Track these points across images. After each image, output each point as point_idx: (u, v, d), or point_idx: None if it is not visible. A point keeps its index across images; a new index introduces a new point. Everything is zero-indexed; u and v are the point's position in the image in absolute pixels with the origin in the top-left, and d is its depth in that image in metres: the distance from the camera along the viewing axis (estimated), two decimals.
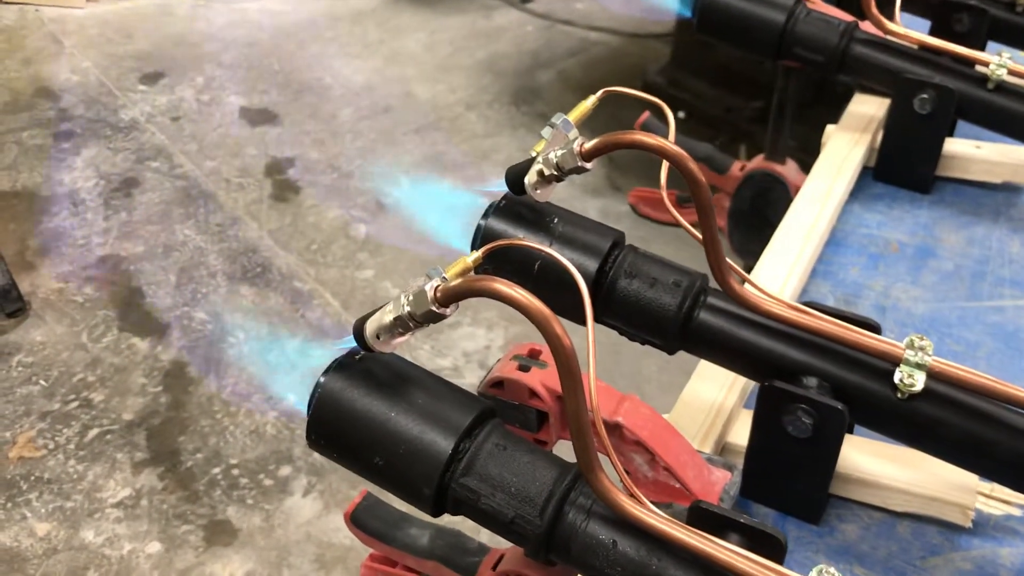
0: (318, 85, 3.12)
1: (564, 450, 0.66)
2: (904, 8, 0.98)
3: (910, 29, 0.87)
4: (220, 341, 2.21)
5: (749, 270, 1.20)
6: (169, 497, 1.87)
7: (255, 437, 1.99)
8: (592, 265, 0.60)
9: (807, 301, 0.60)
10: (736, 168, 1.09)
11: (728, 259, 0.58)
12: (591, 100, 0.62)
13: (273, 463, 1.95)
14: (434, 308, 0.47)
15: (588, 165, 0.57)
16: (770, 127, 1.04)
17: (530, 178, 0.58)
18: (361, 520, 0.77)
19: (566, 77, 3.21)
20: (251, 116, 2.96)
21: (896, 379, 0.55)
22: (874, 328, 0.59)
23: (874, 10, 0.86)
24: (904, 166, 0.89)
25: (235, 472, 1.92)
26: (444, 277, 0.49)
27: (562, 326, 0.45)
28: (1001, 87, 0.83)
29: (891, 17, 0.87)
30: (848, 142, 0.89)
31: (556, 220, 0.62)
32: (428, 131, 2.95)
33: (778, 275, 0.75)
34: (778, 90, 1.00)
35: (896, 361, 0.56)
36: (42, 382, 2.10)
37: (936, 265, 0.82)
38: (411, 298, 0.48)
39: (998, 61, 0.83)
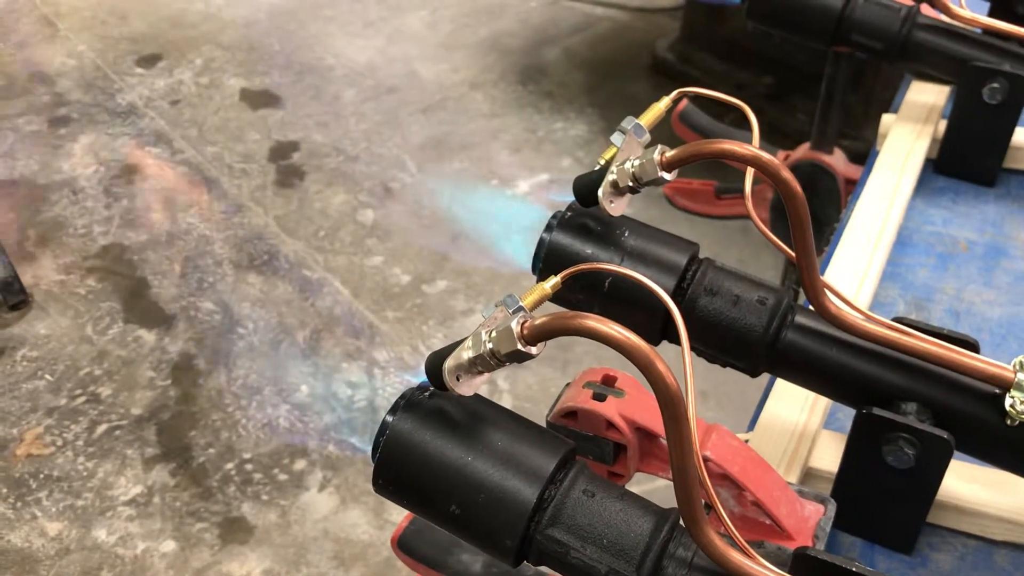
0: (320, 65, 3.06)
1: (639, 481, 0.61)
2: (933, 66, 0.93)
3: (975, 13, 0.82)
4: (229, 332, 2.16)
5: (794, 268, 1.16)
6: (182, 494, 1.84)
7: (268, 430, 1.95)
8: (670, 282, 0.56)
9: (899, 318, 0.56)
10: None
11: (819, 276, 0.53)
12: (664, 102, 0.57)
13: (287, 457, 1.91)
14: (521, 347, 0.42)
15: (669, 176, 0.52)
16: (817, 116, 0.99)
17: (604, 189, 0.54)
18: (409, 545, 0.72)
19: (572, 54, 3.15)
20: (252, 99, 2.89)
21: (1006, 405, 0.51)
22: (973, 347, 0.54)
23: None
24: (969, 158, 0.85)
25: (248, 467, 1.88)
26: (523, 307, 0.45)
27: (666, 365, 0.40)
28: None
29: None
30: (910, 134, 0.84)
31: (627, 233, 0.57)
32: (434, 111, 2.89)
33: (850, 283, 0.71)
34: (827, 77, 0.95)
35: (1004, 385, 0.52)
36: (48, 376, 2.05)
37: (1009, 265, 0.78)
38: (494, 335, 0.43)
39: None
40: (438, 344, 2.15)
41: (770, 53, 2.70)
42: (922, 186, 0.85)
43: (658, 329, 0.56)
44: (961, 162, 0.85)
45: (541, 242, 0.58)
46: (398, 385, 2.03)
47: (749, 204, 0.55)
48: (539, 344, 0.43)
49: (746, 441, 0.58)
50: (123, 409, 1.99)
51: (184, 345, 2.13)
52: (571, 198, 0.58)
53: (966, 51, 0.81)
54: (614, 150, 0.55)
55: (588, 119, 2.84)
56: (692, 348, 0.58)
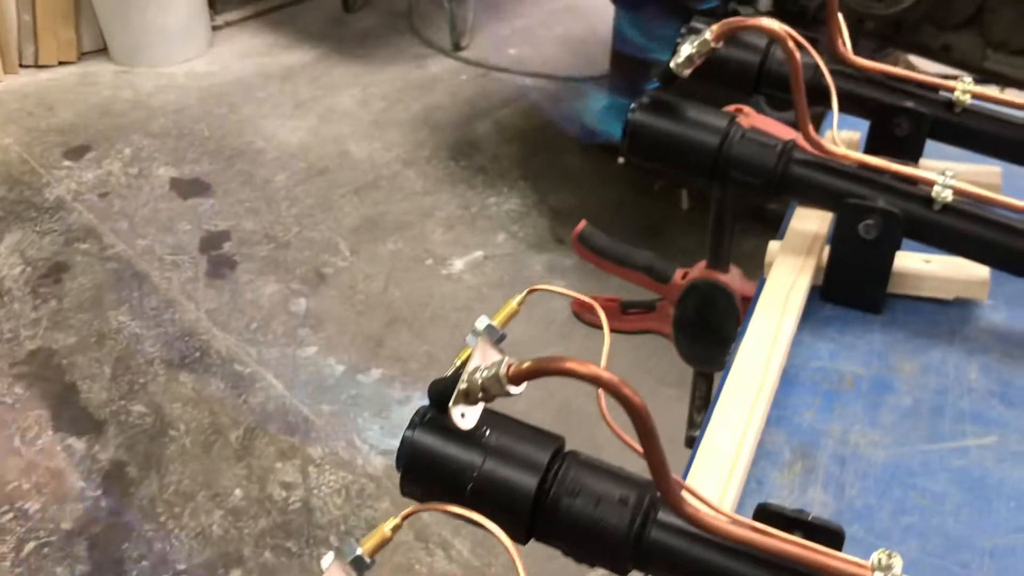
0: (250, 150, 3.05)
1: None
2: (844, 109, 0.95)
3: (850, 150, 0.84)
4: (160, 435, 2.12)
5: (702, 379, 1.17)
6: None
7: (202, 539, 1.91)
8: (531, 482, 0.55)
9: (763, 505, 0.56)
10: (679, 276, 1.05)
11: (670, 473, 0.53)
12: (516, 300, 0.57)
13: (222, 567, 1.87)
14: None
15: (516, 390, 0.52)
16: (710, 238, 1.00)
17: (455, 400, 0.53)
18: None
19: (503, 126, 3.17)
20: (182, 188, 2.87)
21: None
22: (838, 537, 0.54)
23: (811, 132, 0.83)
24: (853, 288, 0.86)
25: None
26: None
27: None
28: (947, 207, 0.80)
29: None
30: (793, 267, 0.85)
31: (489, 432, 0.56)
32: (367, 191, 2.89)
33: (734, 432, 0.71)
34: (715, 201, 0.96)
35: None
36: None
37: (894, 401, 0.78)
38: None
39: (942, 181, 0.80)
40: (374, 437, 2.12)
41: (703, 95, 2.73)
42: (809, 316, 0.86)
43: (523, 530, 0.55)
44: (846, 291, 0.86)
45: (403, 440, 0.57)
46: (334, 484, 2.01)
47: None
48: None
49: None
50: (52, 524, 1.94)
51: (115, 452, 2.08)
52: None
53: (842, 185, 0.83)
54: (468, 351, 0.55)
55: (521, 192, 2.86)
56: (558, 548, 0.57)
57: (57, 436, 2.12)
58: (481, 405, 0.54)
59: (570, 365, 0.50)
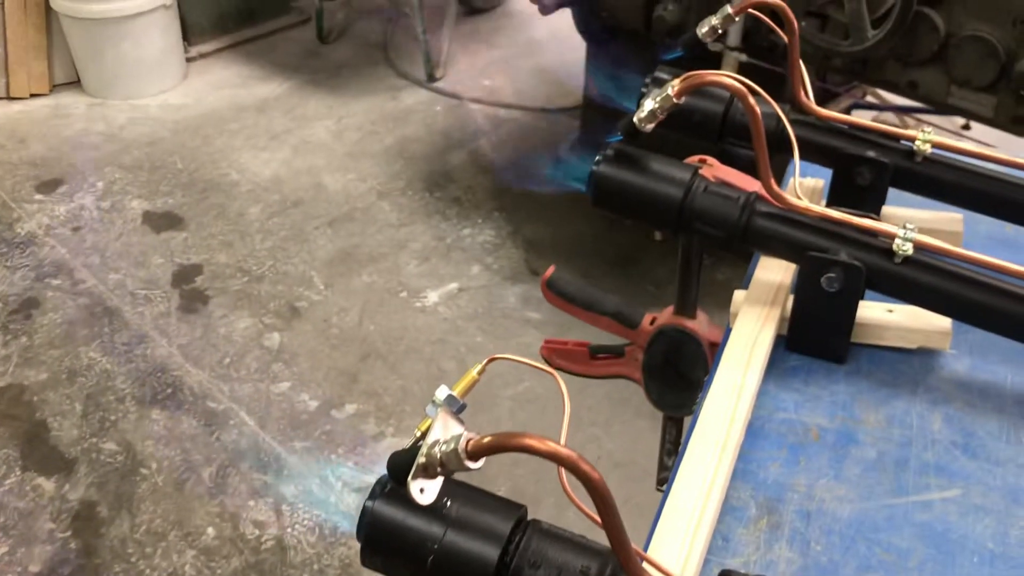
0: (224, 182, 3.04)
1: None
2: (806, 157, 0.96)
3: (811, 201, 0.85)
4: (132, 474, 2.10)
5: (672, 423, 1.17)
6: None
7: None
8: (493, 553, 0.55)
9: (724, 573, 0.56)
10: (647, 322, 1.06)
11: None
12: (476, 370, 0.57)
13: None
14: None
15: (475, 466, 0.51)
16: (677, 285, 1.00)
17: (414, 474, 0.53)
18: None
19: (477, 157, 3.18)
20: (155, 221, 2.86)
21: None
22: None
23: (773, 184, 0.83)
24: (817, 338, 0.86)
25: None
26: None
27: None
28: (908, 259, 0.80)
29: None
30: (758, 318, 0.85)
31: (449, 503, 0.56)
32: (341, 224, 2.89)
33: (699, 490, 0.71)
34: (681, 249, 0.97)
35: None
36: None
37: (859, 454, 0.79)
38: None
39: (903, 235, 0.80)
40: (348, 474, 2.10)
41: (668, 151, 2.75)
42: (775, 366, 0.86)
43: None
44: (810, 342, 0.87)
45: (364, 510, 0.56)
46: (307, 522, 1.99)
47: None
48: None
49: None
50: (20, 567, 1.91)
51: (85, 492, 2.06)
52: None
53: (804, 238, 0.83)
54: (428, 422, 0.55)
55: (495, 224, 2.86)
56: None
57: (26, 476, 2.10)
58: (440, 479, 0.54)
59: (529, 442, 0.50)
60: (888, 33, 1.80)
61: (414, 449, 0.55)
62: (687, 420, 1.05)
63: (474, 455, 0.52)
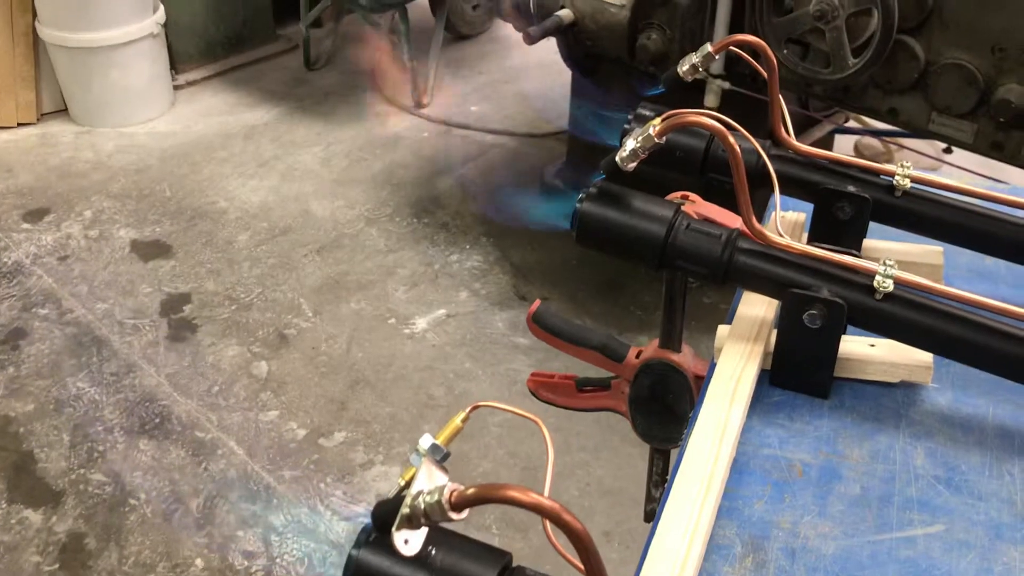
0: (212, 210, 3.04)
1: None
2: (787, 192, 0.97)
3: (792, 238, 0.86)
4: (120, 505, 2.09)
5: (659, 454, 1.17)
6: None
7: None
8: None
9: None
10: (632, 355, 1.06)
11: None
12: (460, 418, 0.58)
13: None
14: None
15: (459, 517, 0.52)
16: (663, 319, 1.01)
17: (398, 525, 0.53)
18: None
19: (465, 183, 3.20)
20: (143, 250, 2.86)
21: None
22: None
23: (754, 222, 0.84)
24: (800, 374, 0.87)
25: None
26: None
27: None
28: (889, 295, 0.81)
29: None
30: (741, 354, 0.86)
31: (434, 551, 0.56)
32: (329, 250, 2.89)
33: (684, 530, 0.71)
34: (666, 282, 0.98)
35: None
36: None
37: (843, 490, 0.79)
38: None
39: (883, 271, 0.81)
40: (337, 503, 2.10)
41: (652, 176, 2.77)
42: (759, 401, 0.87)
43: None
44: (794, 377, 0.87)
45: (349, 559, 0.57)
46: (297, 552, 1.98)
47: None
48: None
49: None
50: None
51: (73, 523, 2.05)
52: None
53: (786, 275, 0.84)
54: (412, 471, 0.55)
55: (483, 249, 2.87)
56: None
57: (12, 509, 2.08)
58: (425, 529, 0.54)
59: (512, 494, 0.50)
60: (868, 61, 1.82)
61: (398, 499, 0.55)
62: (674, 451, 1.05)
63: (458, 506, 0.52)
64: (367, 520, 0.58)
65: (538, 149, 3.34)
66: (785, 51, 1.96)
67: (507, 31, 4.08)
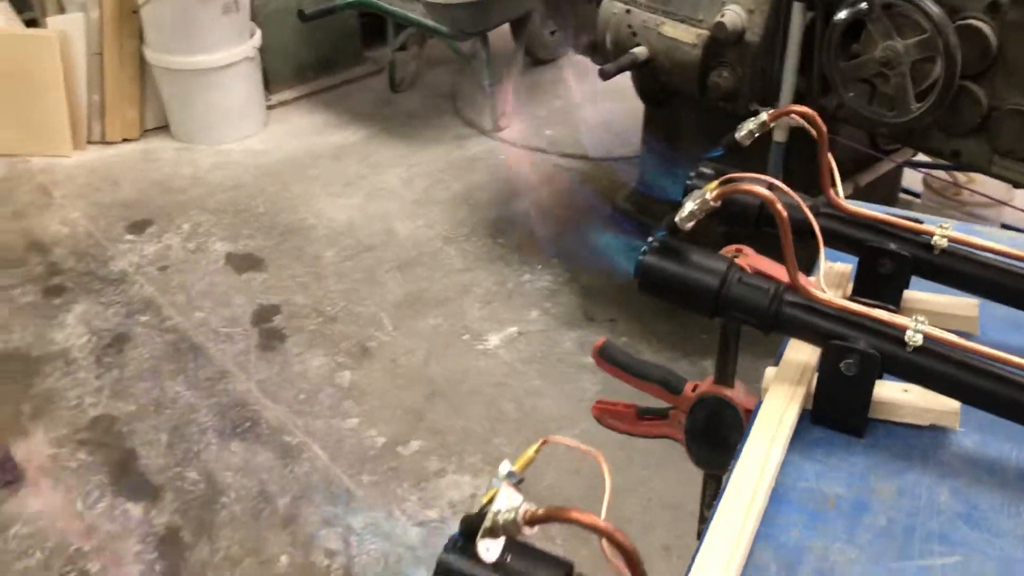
0: (302, 226, 3.22)
1: None
2: (835, 246, 1.07)
3: (834, 293, 0.96)
4: (212, 502, 2.26)
5: (711, 479, 1.28)
6: None
7: None
8: None
9: None
10: (689, 389, 1.17)
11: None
12: (533, 449, 0.69)
13: None
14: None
15: (531, 531, 0.64)
16: (717, 358, 1.12)
17: (481, 536, 0.65)
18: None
19: (540, 206, 3.32)
20: (237, 262, 3.04)
21: None
22: None
23: (799, 280, 0.95)
24: (838, 415, 0.97)
25: None
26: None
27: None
28: (919, 348, 0.91)
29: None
30: (785, 395, 0.97)
31: (509, 558, 0.68)
32: (410, 268, 3.04)
33: (725, 554, 0.82)
34: (721, 327, 1.08)
35: None
36: (38, 554, 2.14)
37: (870, 521, 0.89)
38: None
39: (914, 327, 0.91)
40: (412, 508, 2.24)
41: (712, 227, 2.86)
42: (799, 438, 0.97)
43: None
44: (832, 417, 0.97)
45: (439, 562, 0.69)
46: (374, 552, 2.12)
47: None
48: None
49: None
50: None
51: (170, 517, 2.22)
52: None
53: (826, 326, 0.94)
54: (494, 491, 0.67)
55: (554, 271, 2.99)
56: None
57: (116, 501, 2.27)
58: (503, 539, 0.66)
59: (575, 515, 0.62)
60: (931, 106, 1.90)
61: (481, 514, 0.67)
62: (726, 476, 1.16)
63: (530, 523, 0.64)
64: (439, 525, 0.70)
65: (611, 173, 3.45)
66: (852, 93, 2.04)
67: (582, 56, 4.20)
